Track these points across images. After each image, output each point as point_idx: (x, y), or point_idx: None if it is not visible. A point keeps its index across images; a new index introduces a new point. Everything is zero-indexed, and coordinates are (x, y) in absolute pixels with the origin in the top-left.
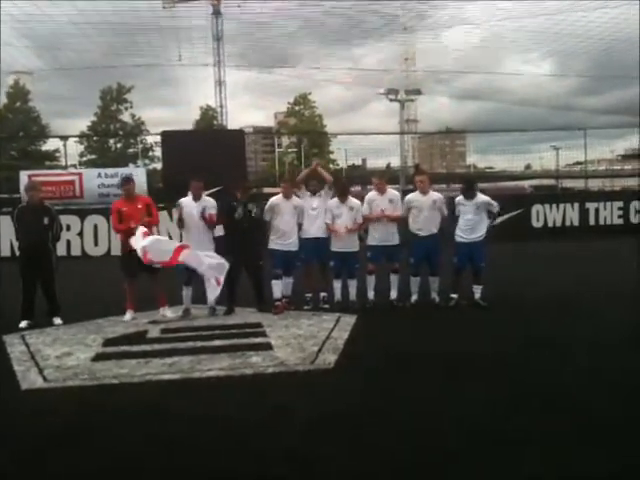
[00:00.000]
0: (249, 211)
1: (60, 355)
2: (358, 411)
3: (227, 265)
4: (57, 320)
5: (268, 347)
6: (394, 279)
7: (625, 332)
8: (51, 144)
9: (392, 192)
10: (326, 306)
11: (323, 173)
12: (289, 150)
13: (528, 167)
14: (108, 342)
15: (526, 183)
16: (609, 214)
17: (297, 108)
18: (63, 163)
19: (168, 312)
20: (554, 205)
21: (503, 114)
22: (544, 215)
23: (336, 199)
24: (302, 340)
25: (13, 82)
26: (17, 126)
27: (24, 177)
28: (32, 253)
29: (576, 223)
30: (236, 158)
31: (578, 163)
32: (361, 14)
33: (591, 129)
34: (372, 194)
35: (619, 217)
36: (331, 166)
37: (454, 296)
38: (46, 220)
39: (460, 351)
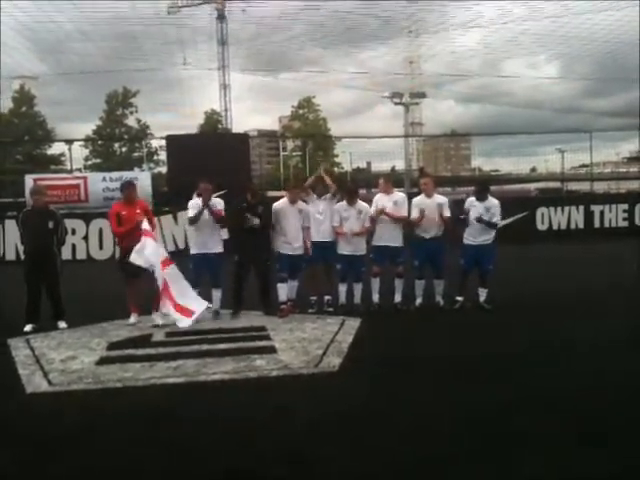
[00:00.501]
0: (258, 216)
1: (65, 359)
2: (360, 413)
3: (204, 305)
4: (62, 324)
5: (272, 350)
6: (398, 283)
7: (628, 334)
8: (56, 148)
9: (398, 194)
10: (330, 309)
11: (327, 180)
12: (294, 153)
13: (533, 170)
14: (112, 346)
15: (532, 186)
16: (614, 217)
17: (301, 112)
18: (68, 167)
19: (158, 317)
20: (559, 208)
21: (508, 117)
22: (549, 218)
23: (344, 202)
24: (306, 343)
25: (19, 87)
26: (22, 130)
27: (29, 181)
28: (37, 257)
29: (581, 226)
30: (240, 162)
31: (584, 166)
32: (366, 17)
33: (597, 132)
34: (379, 195)
35: (624, 220)
36: (336, 169)
37: (459, 299)
38: (51, 224)
39: (464, 354)
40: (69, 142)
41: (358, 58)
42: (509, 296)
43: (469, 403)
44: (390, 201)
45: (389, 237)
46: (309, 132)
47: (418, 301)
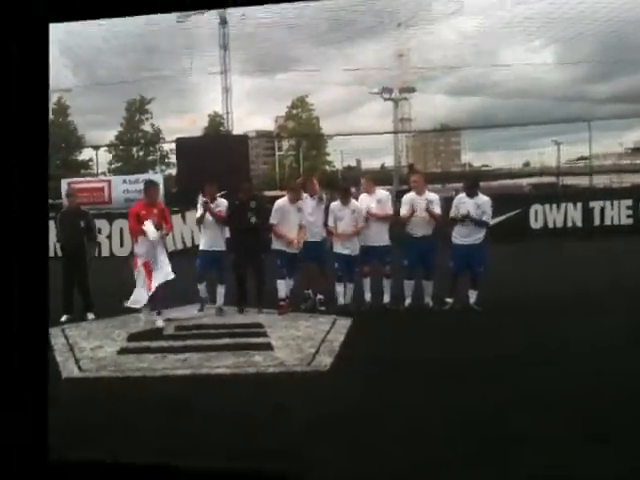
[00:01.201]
0: (252, 211)
1: (93, 347)
2: (352, 413)
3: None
4: (90, 315)
5: (269, 347)
6: (386, 283)
7: (626, 334)
8: (85, 154)
9: (381, 192)
10: (322, 308)
11: (315, 186)
12: (289, 153)
13: (527, 164)
14: (131, 337)
15: (524, 181)
16: (616, 213)
17: (295, 111)
18: (95, 171)
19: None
20: (554, 204)
21: (501, 108)
22: (543, 215)
23: (338, 202)
24: (300, 341)
25: (56, 99)
26: (60, 139)
27: (65, 185)
28: (70, 254)
29: (579, 224)
30: (240, 162)
31: (582, 158)
32: (354, 13)
33: (596, 120)
34: (362, 196)
35: (628, 217)
36: (327, 168)
37: (449, 300)
38: (82, 223)
39: (453, 355)
40: (96, 148)
41: (347, 54)
42: (500, 297)
43: (461, 404)
44: (373, 200)
45: (375, 237)
46: (302, 131)
47: (407, 301)
